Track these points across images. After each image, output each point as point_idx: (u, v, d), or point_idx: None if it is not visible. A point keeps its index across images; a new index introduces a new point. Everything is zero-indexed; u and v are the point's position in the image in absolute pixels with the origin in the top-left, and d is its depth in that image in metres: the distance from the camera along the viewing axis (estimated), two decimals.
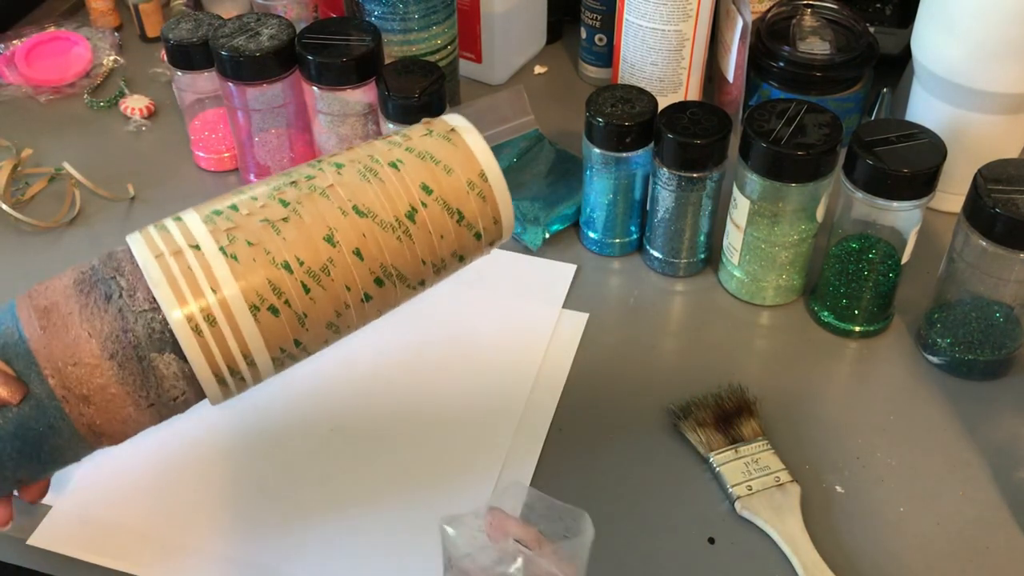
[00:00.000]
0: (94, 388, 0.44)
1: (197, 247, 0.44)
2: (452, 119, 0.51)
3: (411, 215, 0.47)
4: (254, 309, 0.44)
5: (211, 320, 0.44)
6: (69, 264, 0.79)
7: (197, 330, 0.44)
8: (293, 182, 0.47)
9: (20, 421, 0.44)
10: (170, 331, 0.44)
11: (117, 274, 0.45)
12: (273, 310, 0.45)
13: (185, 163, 0.87)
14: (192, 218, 0.46)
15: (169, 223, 0.46)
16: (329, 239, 0.46)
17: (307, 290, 0.46)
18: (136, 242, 0.45)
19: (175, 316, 0.43)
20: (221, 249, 0.44)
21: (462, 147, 0.49)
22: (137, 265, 0.45)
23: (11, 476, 0.46)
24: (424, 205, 0.48)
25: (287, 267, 0.45)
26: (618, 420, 0.65)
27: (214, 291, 0.44)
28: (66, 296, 0.44)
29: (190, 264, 0.44)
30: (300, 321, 0.46)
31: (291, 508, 0.59)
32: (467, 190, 0.49)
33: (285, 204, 0.46)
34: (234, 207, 0.46)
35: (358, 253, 0.46)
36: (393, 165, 0.48)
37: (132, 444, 0.52)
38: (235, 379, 0.46)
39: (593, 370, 0.68)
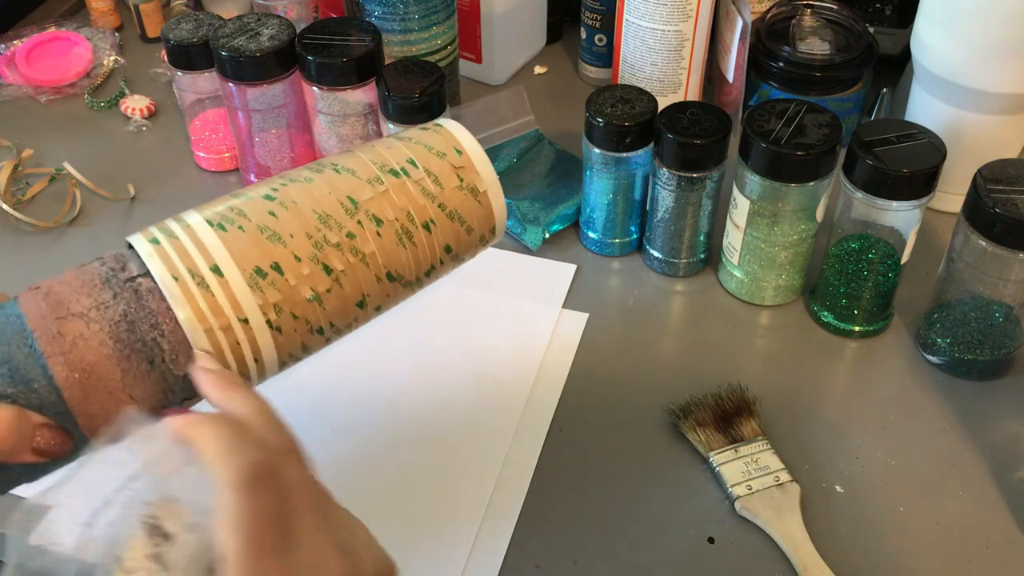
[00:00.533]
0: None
1: (246, 321, 0.45)
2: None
3: (427, 225, 0.49)
4: (282, 365, 0.48)
5: (248, 379, 0.46)
6: (70, 265, 0.78)
7: None
8: (336, 244, 0.47)
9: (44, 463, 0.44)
10: None
11: (158, 335, 0.43)
12: (294, 359, 0.48)
13: (185, 163, 0.87)
14: (236, 279, 0.45)
15: (209, 277, 0.44)
16: (361, 304, 0.48)
17: (327, 341, 0.48)
18: (181, 307, 0.44)
19: None
20: (268, 323, 0.45)
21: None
22: (178, 325, 0.44)
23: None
24: (433, 222, 0.49)
25: (320, 332, 0.47)
26: (618, 420, 0.65)
27: (256, 361, 0.46)
28: (104, 360, 0.42)
29: (239, 339, 0.45)
30: (306, 347, 0.48)
31: None
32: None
33: (329, 272, 0.46)
34: (277, 268, 0.45)
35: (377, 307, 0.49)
36: (426, 226, 0.49)
37: None
38: None
39: (593, 370, 0.68)
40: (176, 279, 0.44)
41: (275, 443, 0.38)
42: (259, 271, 0.45)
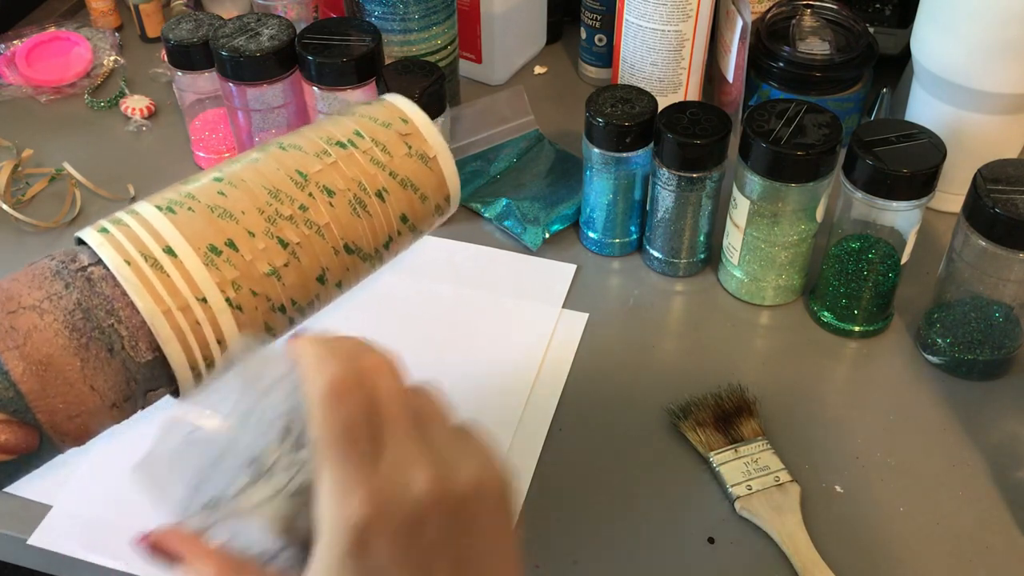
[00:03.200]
0: (91, 430, 0.44)
1: (204, 300, 0.44)
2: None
3: (380, 193, 0.49)
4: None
5: (211, 364, 0.45)
6: None
7: (198, 376, 0.45)
8: (290, 216, 0.46)
9: (15, 460, 0.43)
10: (171, 375, 0.44)
11: (115, 321, 0.42)
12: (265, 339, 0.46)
13: (185, 163, 0.87)
14: (190, 258, 0.44)
15: (163, 258, 0.44)
16: (321, 279, 0.47)
17: (291, 322, 0.47)
18: (136, 290, 0.43)
19: (185, 376, 0.44)
20: (227, 301, 0.44)
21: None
22: (135, 310, 0.43)
23: None
24: (386, 190, 0.49)
25: (283, 310, 0.46)
26: (618, 420, 0.65)
27: (220, 343, 0.45)
28: (61, 347, 0.41)
29: (198, 319, 0.44)
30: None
31: None
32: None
33: (284, 245, 0.46)
34: (232, 245, 0.45)
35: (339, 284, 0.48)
36: (379, 194, 0.49)
37: (133, 445, 0.52)
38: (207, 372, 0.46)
39: (593, 370, 0.68)
40: (129, 263, 0.43)
41: (366, 358, 0.38)
42: (213, 248, 0.44)
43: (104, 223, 0.45)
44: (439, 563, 0.36)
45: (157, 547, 0.39)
